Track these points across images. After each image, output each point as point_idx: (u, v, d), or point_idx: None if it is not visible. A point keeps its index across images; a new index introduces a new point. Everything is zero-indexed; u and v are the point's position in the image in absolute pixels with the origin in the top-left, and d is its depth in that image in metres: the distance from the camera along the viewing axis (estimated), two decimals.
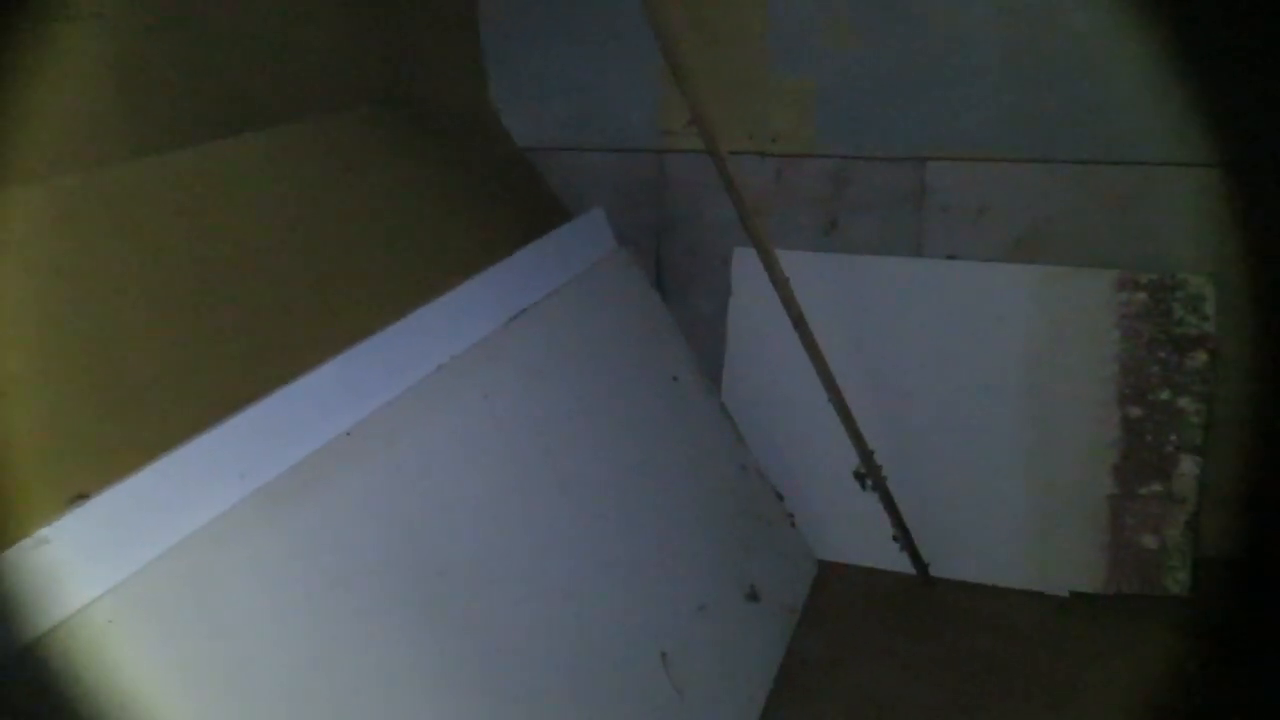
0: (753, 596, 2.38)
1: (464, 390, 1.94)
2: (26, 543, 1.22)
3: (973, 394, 2.58)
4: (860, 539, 2.67)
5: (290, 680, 1.41)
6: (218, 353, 1.67)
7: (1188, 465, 2.41)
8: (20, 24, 1.51)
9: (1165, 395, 2.43)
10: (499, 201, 2.66)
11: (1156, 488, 2.44)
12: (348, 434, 1.64)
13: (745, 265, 2.73)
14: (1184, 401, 2.41)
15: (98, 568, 1.26)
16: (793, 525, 2.70)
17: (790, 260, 2.44)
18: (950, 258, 2.63)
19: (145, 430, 1.45)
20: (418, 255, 2.20)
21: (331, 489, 1.58)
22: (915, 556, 2.62)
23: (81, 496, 1.31)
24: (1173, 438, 2.42)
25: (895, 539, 2.61)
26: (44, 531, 1.24)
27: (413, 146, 2.45)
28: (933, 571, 2.64)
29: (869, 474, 2.55)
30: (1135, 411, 2.45)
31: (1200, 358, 2.41)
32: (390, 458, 1.70)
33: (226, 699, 1.32)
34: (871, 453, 2.52)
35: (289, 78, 2.14)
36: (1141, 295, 2.45)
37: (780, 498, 2.70)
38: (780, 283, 2.40)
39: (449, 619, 1.68)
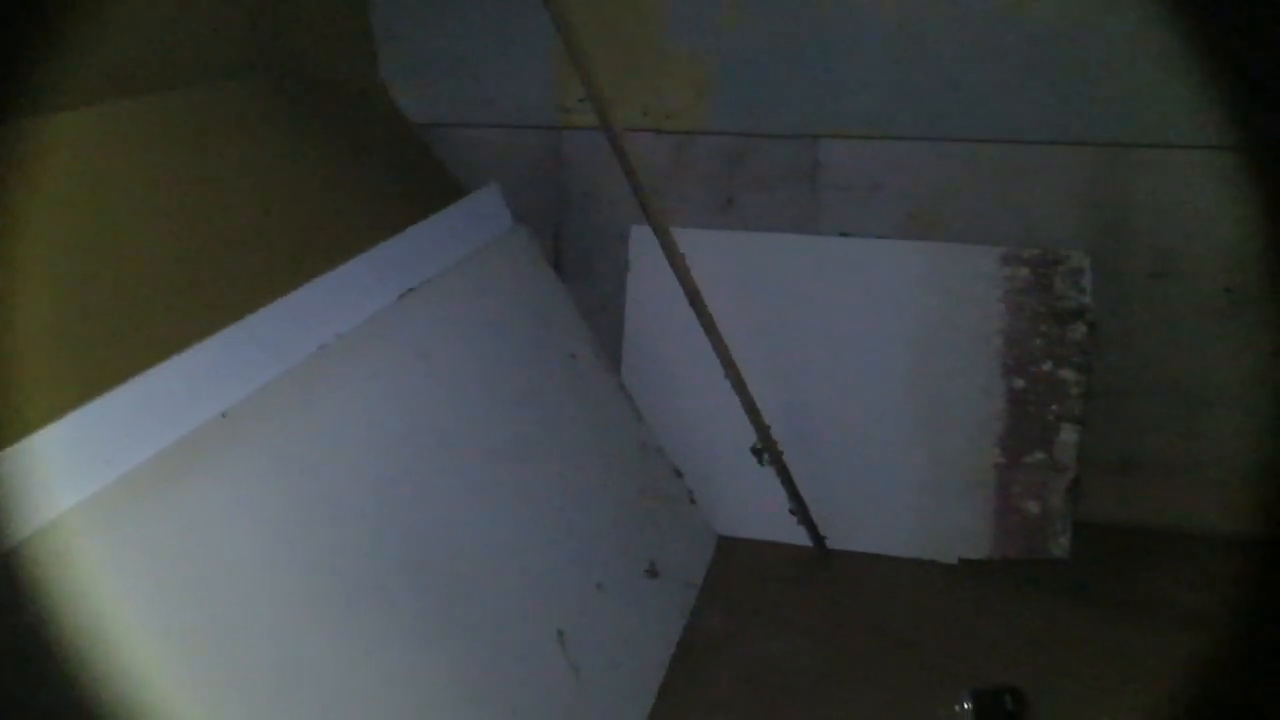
0: (652, 573, 2.39)
1: (349, 370, 1.89)
2: None
3: (866, 369, 2.63)
4: (758, 514, 2.70)
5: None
6: (83, 331, 1.59)
7: (1068, 434, 2.50)
8: None
9: (1047, 366, 2.51)
10: (390, 178, 2.60)
11: (1040, 456, 2.53)
12: (223, 416, 1.59)
13: (642, 243, 2.73)
14: (1065, 372, 2.50)
15: None
16: (692, 502, 2.71)
17: (687, 238, 2.44)
18: (843, 235, 2.67)
19: (4, 414, 1.38)
20: (302, 231, 2.13)
21: (204, 475, 1.52)
22: (812, 530, 2.67)
23: None
24: (1054, 407, 2.51)
25: (792, 513, 2.65)
26: None
27: (299, 120, 2.37)
28: (829, 544, 2.68)
29: (766, 449, 2.57)
30: (1019, 383, 2.53)
31: (1080, 330, 2.49)
32: (268, 441, 1.65)
33: None
34: (768, 428, 2.54)
35: (169, 44, 2.04)
36: (1025, 270, 2.52)
37: (679, 475, 2.71)
38: (676, 260, 2.40)
39: (331, 607, 1.64)
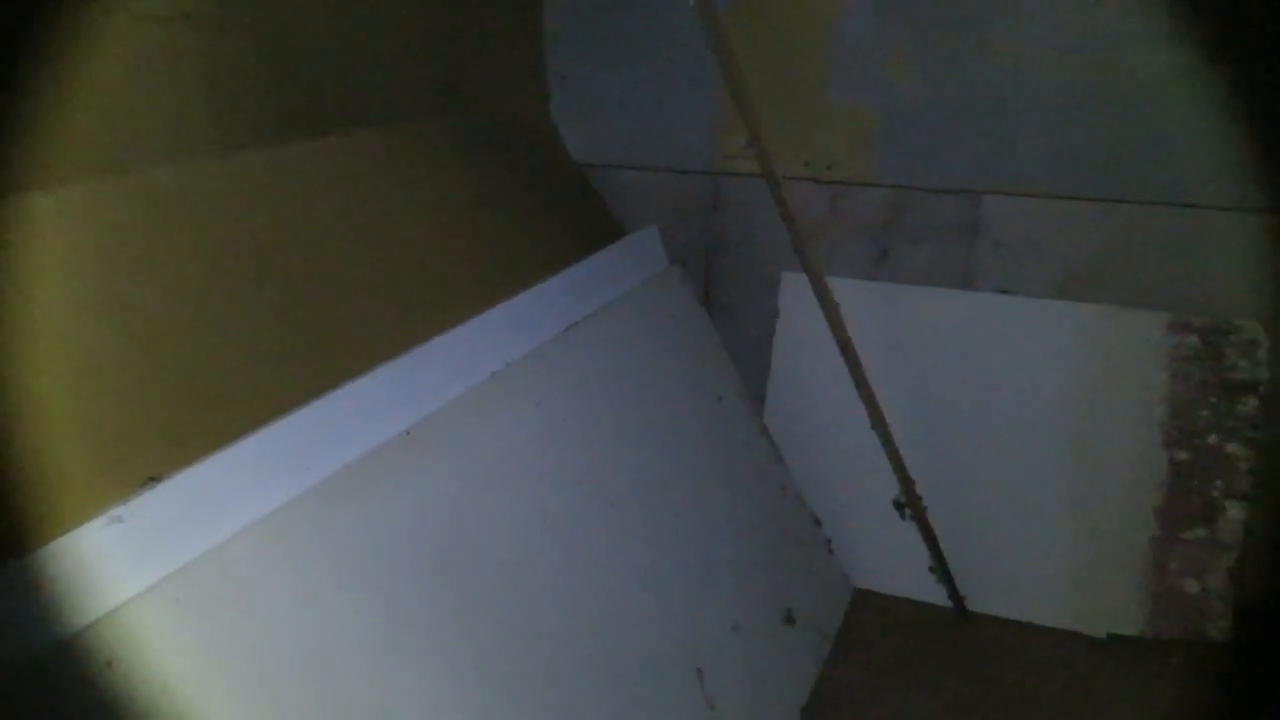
0: (788, 620, 2.39)
1: (517, 398, 1.97)
2: (100, 520, 1.26)
3: (1018, 429, 2.58)
4: (897, 569, 2.67)
5: (337, 669, 1.44)
6: (286, 347, 1.72)
7: (1234, 512, 2.39)
8: (111, 24, 1.57)
9: (1213, 440, 2.41)
10: (556, 215, 2.70)
11: (1201, 533, 2.42)
12: (406, 433, 1.68)
13: (794, 289, 2.75)
14: (1232, 447, 2.40)
15: (168, 548, 1.30)
16: (830, 551, 2.70)
17: (840, 287, 2.46)
18: (1001, 292, 2.63)
19: (215, 419, 1.50)
20: (477, 263, 2.25)
21: (389, 486, 1.61)
22: (952, 589, 2.61)
23: (154, 479, 1.35)
24: (1219, 483, 2.40)
25: (932, 570, 2.61)
26: (118, 510, 1.28)
27: (476, 157, 2.50)
28: (969, 605, 2.63)
29: (909, 504, 2.55)
30: (1182, 455, 2.44)
31: (1251, 403, 2.39)
32: (446, 459, 1.73)
33: (283, 681, 1.35)
34: (913, 482, 2.52)
35: (363, 85, 2.20)
36: (1193, 338, 2.44)
37: (818, 523, 2.70)
38: (830, 308, 2.42)
39: (492, 622, 1.70)
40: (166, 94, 1.66)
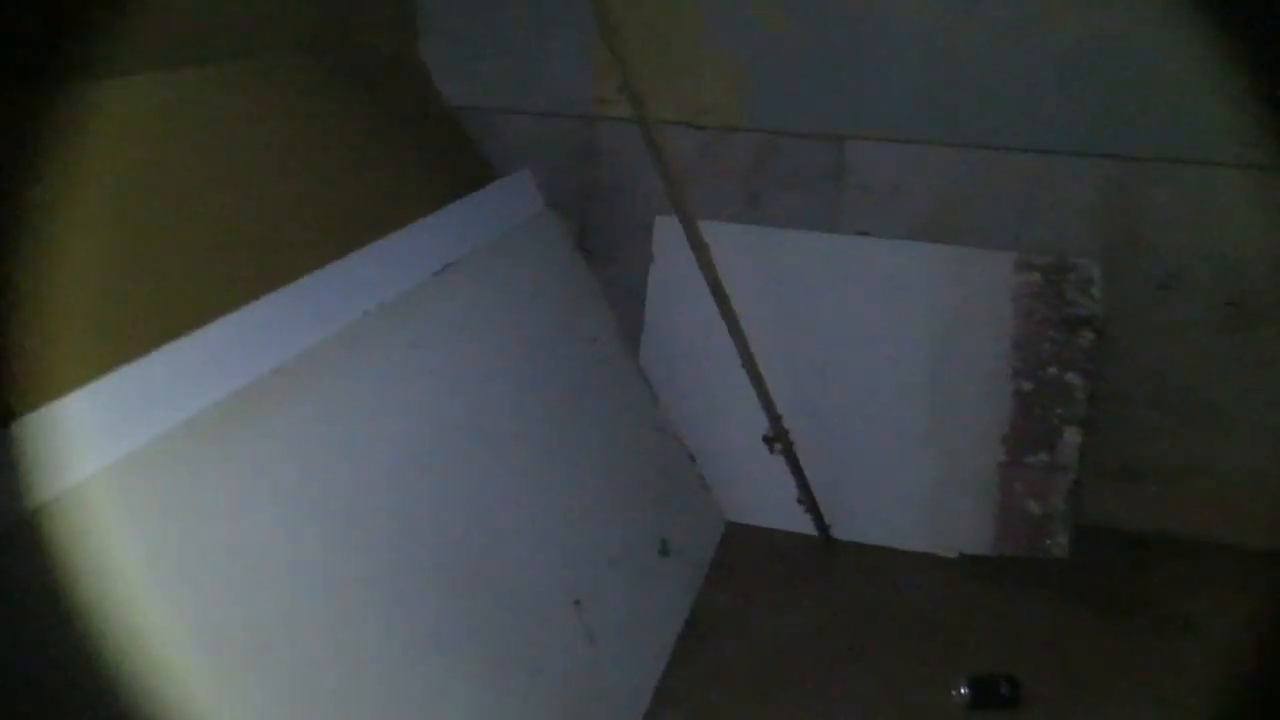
0: (663, 551, 2.47)
1: (390, 338, 1.97)
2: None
3: (879, 365, 2.71)
4: (767, 501, 2.78)
5: (201, 599, 1.43)
6: (141, 286, 1.67)
7: (1071, 436, 2.59)
8: None
9: (1054, 370, 2.59)
10: (428, 158, 2.68)
11: (1043, 457, 2.61)
12: (274, 372, 1.67)
13: (667, 233, 2.80)
14: (1070, 377, 2.58)
15: (20, 490, 1.28)
16: (703, 486, 2.79)
17: (711, 230, 2.51)
18: (863, 234, 2.75)
19: (75, 357, 1.45)
20: (346, 204, 2.21)
21: (257, 424, 1.60)
22: (818, 519, 2.74)
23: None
24: (1059, 411, 2.59)
25: (800, 502, 2.73)
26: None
27: (344, 96, 2.44)
28: (834, 534, 2.76)
29: (778, 438, 2.65)
30: (1026, 385, 2.61)
31: (1087, 336, 2.57)
32: (315, 398, 1.73)
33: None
34: (780, 418, 2.62)
35: (223, 16, 2.12)
36: (1036, 276, 2.60)
37: (692, 459, 2.79)
38: (701, 251, 2.47)
39: (365, 559, 1.71)
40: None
